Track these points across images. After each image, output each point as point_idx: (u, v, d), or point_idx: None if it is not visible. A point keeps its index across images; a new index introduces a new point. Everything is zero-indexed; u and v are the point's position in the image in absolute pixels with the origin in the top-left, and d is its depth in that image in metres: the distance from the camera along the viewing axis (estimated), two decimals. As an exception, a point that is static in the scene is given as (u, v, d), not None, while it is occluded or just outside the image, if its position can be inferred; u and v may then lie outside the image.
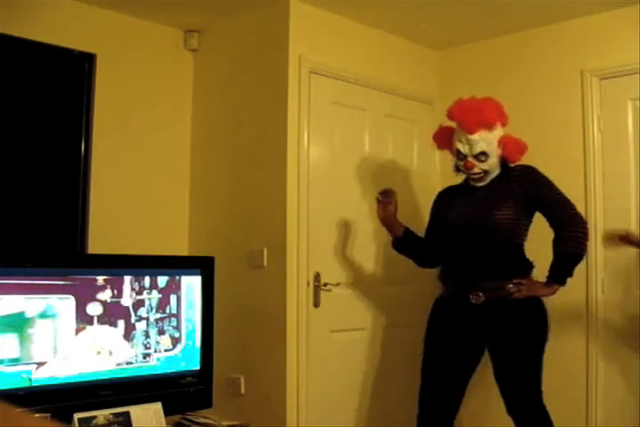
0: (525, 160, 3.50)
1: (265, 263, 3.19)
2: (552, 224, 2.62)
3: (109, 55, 3.32)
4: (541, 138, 3.40)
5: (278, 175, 3.17)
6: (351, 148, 3.44)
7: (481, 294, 2.57)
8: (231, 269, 3.22)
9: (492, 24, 3.47)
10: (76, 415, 2.36)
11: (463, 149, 2.62)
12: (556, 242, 2.59)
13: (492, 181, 2.67)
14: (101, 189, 3.26)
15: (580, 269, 3.22)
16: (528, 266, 2.67)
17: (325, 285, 3.21)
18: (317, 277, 3.20)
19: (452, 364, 2.66)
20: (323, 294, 3.22)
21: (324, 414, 3.18)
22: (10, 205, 3.02)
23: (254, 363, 3.20)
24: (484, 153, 2.61)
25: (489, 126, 2.61)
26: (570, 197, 2.65)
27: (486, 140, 2.60)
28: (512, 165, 2.72)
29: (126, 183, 3.37)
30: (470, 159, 2.62)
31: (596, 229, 3.20)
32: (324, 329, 3.22)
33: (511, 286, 2.55)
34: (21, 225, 3.05)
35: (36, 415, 2.12)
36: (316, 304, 3.20)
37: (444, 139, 2.78)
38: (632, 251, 3.13)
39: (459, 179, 2.87)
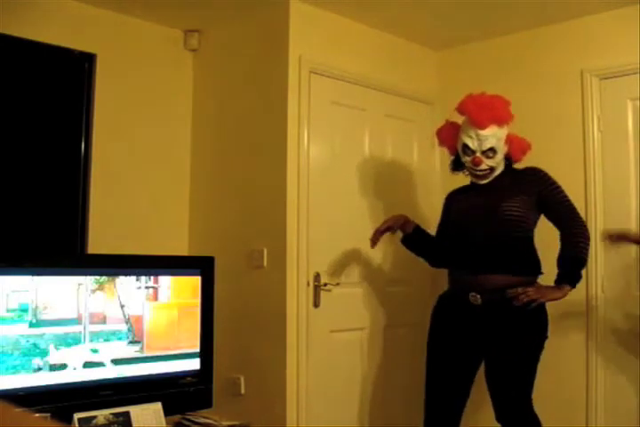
0: (525, 159, 3.51)
1: (265, 263, 3.19)
2: (561, 228, 2.62)
3: (109, 55, 3.32)
4: (541, 138, 3.40)
5: (278, 175, 3.17)
6: (351, 148, 3.44)
7: (478, 295, 2.55)
8: (231, 269, 3.22)
9: (492, 24, 3.47)
10: (76, 415, 2.36)
11: (472, 144, 2.59)
12: (564, 247, 2.59)
13: (496, 178, 2.65)
14: (101, 189, 3.26)
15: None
16: (537, 265, 2.63)
17: (325, 285, 3.21)
18: (317, 277, 3.20)
19: (454, 365, 2.65)
20: (323, 294, 3.22)
21: (324, 415, 3.18)
22: (10, 205, 3.02)
23: (254, 363, 3.20)
24: (492, 149, 2.59)
25: (500, 123, 2.59)
26: (570, 197, 2.65)
27: (496, 137, 2.58)
28: (516, 164, 2.72)
29: (126, 183, 3.37)
30: (479, 155, 2.59)
31: (596, 228, 3.20)
32: (323, 329, 3.22)
33: (521, 293, 2.49)
34: (21, 225, 3.05)
35: (36, 415, 2.11)
36: (316, 304, 3.20)
37: (449, 135, 2.74)
38: (632, 251, 3.13)
39: (458, 179, 2.87)
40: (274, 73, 3.25)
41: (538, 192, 2.61)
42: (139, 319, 2.65)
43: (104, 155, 3.28)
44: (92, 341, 2.51)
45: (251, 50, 3.40)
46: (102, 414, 2.43)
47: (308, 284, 3.17)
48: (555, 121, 3.41)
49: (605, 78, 3.27)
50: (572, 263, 2.57)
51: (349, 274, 3.37)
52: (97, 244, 3.18)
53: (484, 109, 2.57)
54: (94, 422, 2.40)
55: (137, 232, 3.35)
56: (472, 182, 2.75)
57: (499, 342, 2.54)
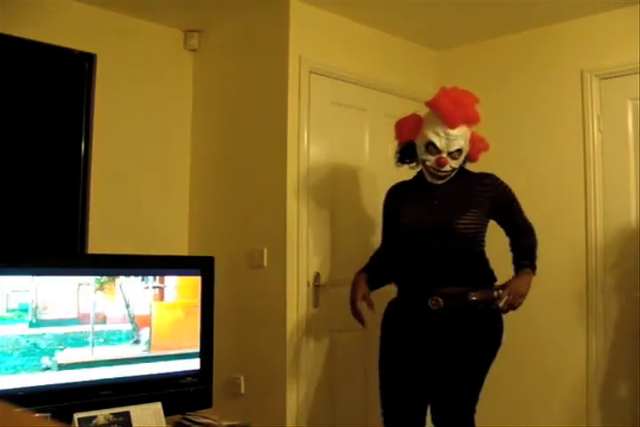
0: (525, 160, 3.52)
1: (265, 263, 3.19)
2: (511, 233, 2.59)
3: (109, 55, 3.32)
4: (541, 138, 3.40)
5: (278, 175, 3.17)
6: (351, 148, 3.44)
7: (440, 299, 2.40)
8: (231, 269, 3.22)
9: (492, 24, 3.47)
10: (76, 415, 2.36)
11: (440, 143, 2.41)
12: (516, 243, 2.57)
13: (451, 179, 2.50)
14: (101, 189, 3.26)
15: (580, 268, 3.24)
16: (491, 275, 2.53)
17: (325, 285, 3.21)
18: (317, 277, 3.20)
19: (410, 374, 2.48)
20: (323, 294, 3.22)
21: (323, 415, 3.18)
22: (10, 206, 3.02)
23: (254, 363, 3.20)
24: (459, 150, 2.43)
25: (471, 123, 2.46)
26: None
27: (464, 137, 2.44)
28: (469, 167, 2.60)
29: (126, 183, 3.37)
30: (445, 155, 2.41)
31: (596, 228, 3.21)
32: (323, 329, 3.22)
33: (501, 299, 2.41)
34: (21, 225, 3.05)
35: (36, 415, 2.12)
36: (316, 304, 3.20)
37: (414, 129, 2.52)
38: (632, 251, 3.13)
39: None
40: (274, 73, 3.25)
41: (492, 198, 2.49)
42: (145, 319, 2.65)
43: (104, 155, 3.28)
44: (97, 340, 2.51)
45: (251, 50, 3.40)
46: (102, 414, 2.42)
47: (308, 284, 3.17)
48: (555, 121, 3.41)
49: (605, 78, 3.27)
50: (527, 250, 2.54)
51: (349, 274, 3.36)
52: (97, 244, 3.18)
53: (458, 107, 2.41)
54: (94, 422, 2.40)
55: (137, 232, 3.35)
56: (419, 177, 2.58)
57: (454, 348, 2.41)
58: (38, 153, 3.12)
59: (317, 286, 3.20)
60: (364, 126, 3.49)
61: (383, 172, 3.56)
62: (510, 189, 2.56)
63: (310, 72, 3.25)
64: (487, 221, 2.54)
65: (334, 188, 3.34)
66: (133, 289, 2.64)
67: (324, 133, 3.32)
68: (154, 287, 2.70)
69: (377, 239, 3.45)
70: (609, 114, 3.26)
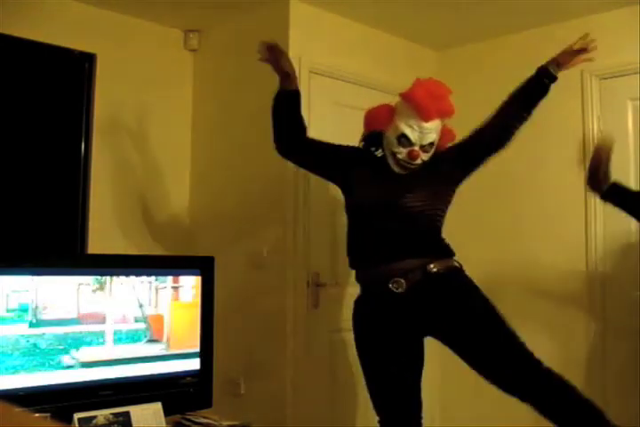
0: (525, 160, 3.51)
1: (265, 263, 3.19)
2: (491, 122, 2.47)
3: (109, 55, 3.32)
4: (541, 138, 3.40)
5: (278, 175, 3.17)
6: (351, 148, 3.43)
7: (401, 280, 2.30)
8: (231, 269, 3.21)
9: (492, 24, 3.47)
10: (76, 415, 2.36)
11: (413, 136, 2.34)
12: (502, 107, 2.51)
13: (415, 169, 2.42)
14: (101, 189, 3.26)
15: (580, 268, 3.24)
16: (447, 248, 2.41)
17: (325, 285, 3.21)
18: (317, 277, 3.20)
19: (393, 369, 2.37)
20: (322, 294, 3.22)
21: (323, 415, 3.18)
22: (10, 206, 3.02)
23: (254, 363, 3.20)
24: (432, 144, 2.37)
25: (446, 117, 2.40)
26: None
27: (437, 131, 2.38)
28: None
29: (126, 183, 3.37)
30: (417, 148, 2.34)
31: (596, 228, 3.21)
32: (323, 329, 3.22)
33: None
34: (21, 225, 3.05)
35: (36, 415, 2.12)
36: (316, 304, 3.20)
37: (386, 120, 2.44)
38: (632, 251, 3.13)
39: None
40: (274, 73, 3.24)
41: (452, 159, 2.42)
42: (158, 319, 2.65)
43: (104, 155, 3.28)
44: (114, 339, 2.51)
45: (251, 50, 3.39)
46: (102, 415, 2.42)
47: (308, 284, 3.17)
48: (555, 121, 3.40)
49: (605, 78, 3.27)
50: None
51: (349, 274, 3.36)
52: (97, 244, 3.18)
53: (433, 100, 2.34)
54: (94, 422, 2.40)
55: (137, 232, 3.35)
56: (380, 162, 2.45)
57: (450, 322, 2.29)
58: (38, 153, 3.12)
59: (317, 286, 3.20)
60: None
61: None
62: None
63: (310, 72, 3.25)
64: (452, 191, 2.45)
65: (334, 187, 3.33)
66: (151, 289, 2.64)
67: (324, 133, 3.31)
68: (174, 287, 2.70)
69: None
70: (609, 114, 3.26)
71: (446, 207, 2.46)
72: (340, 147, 2.65)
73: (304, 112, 3.23)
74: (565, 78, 3.40)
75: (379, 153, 2.45)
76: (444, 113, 2.38)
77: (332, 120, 3.35)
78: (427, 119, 2.34)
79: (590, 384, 3.19)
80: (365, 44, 3.53)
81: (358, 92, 3.47)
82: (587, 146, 3.29)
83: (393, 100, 3.71)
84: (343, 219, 3.36)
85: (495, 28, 3.53)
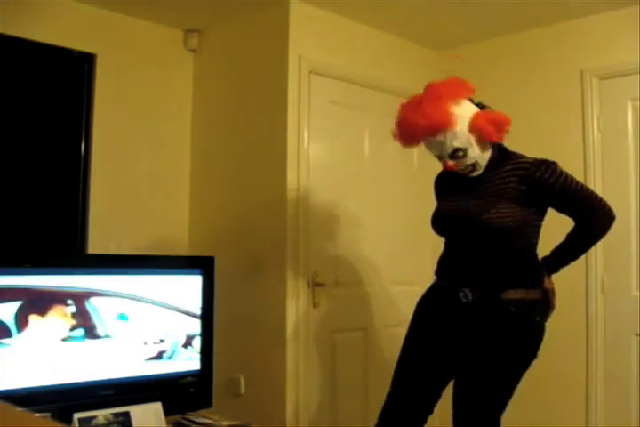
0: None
1: (265, 263, 3.19)
2: (574, 219, 2.32)
3: (109, 55, 3.32)
4: (541, 138, 3.40)
5: (278, 175, 3.17)
6: (351, 148, 3.44)
7: (469, 292, 2.20)
8: (231, 269, 3.21)
9: (492, 24, 3.47)
10: (76, 415, 2.36)
11: (432, 151, 2.27)
12: (575, 239, 2.35)
13: (489, 168, 2.27)
14: (101, 189, 3.26)
15: (580, 268, 3.24)
16: (531, 274, 2.26)
17: (325, 285, 3.21)
18: (317, 277, 3.20)
19: (429, 363, 2.32)
20: (322, 295, 3.22)
21: (323, 415, 3.18)
22: (10, 205, 3.02)
23: (254, 363, 3.20)
24: (459, 149, 2.20)
25: (446, 127, 2.19)
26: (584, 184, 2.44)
27: (455, 137, 2.19)
28: (508, 148, 2.37)
29: (126, 183, 3.37)
30: (447, 160, 2.24)
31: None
32: (323, 329, 3.22)
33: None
34: (21, 225, 3.05)
35: (36, 415, 2.12)
36: (316, 304, 3.20)
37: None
38: (632, 251, 3.13)
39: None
40: (274, 73, 3.25)
41: (534, 190, 2.20)
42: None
43: (104, 155, 3.28)
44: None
45: (251, 50, 3.40)
46: (102, 414, 2.43)
47: (308, 284, 3.17)
48: (555, 121, 3.41)
49: (605, 78, 3.27)
50: (569, 261, 2.37)
51: (349, 274, 3.37)
52: (97, 244, 3.18)
53: (416, 126, 2.22)
54: (94, 422, 2.40)
55: (137, 232, 3.35)
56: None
57: (481, 350, 2.20)
58: (38, 153, 3.12)
59: (317, 286, 3.20)
60: (363, 126, 3.49)
61: (383, 171, 3.57)
62: (560, 175, 2.21)
63: (310, 72, 3.25)
64: (534, 213, 2.26)
65: (334, 187, 3.34)
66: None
67: (323, 133, 3.32)
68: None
69: (378, 238, 3.46)
70: (609, 114, 3.26)
71: (530, 223, 2.29)
72: (436, 195, 2.63)
73: (304, 112, 3.24)
74: (565, 78, 3.41)
75: None
76: (435, 130, 2.20)
77: (332, 120, 3.35)
78: (405, 146, 2.33)
79: (590, 384, 3.19)
80: (365, 44, 3.53)
81: (358, 92, 3.47)
82: (587, 146, 3.29)
83: (392, 100, 3.72)
84: (343, 219, 3.37)
85: (495, 28, 3.53)
